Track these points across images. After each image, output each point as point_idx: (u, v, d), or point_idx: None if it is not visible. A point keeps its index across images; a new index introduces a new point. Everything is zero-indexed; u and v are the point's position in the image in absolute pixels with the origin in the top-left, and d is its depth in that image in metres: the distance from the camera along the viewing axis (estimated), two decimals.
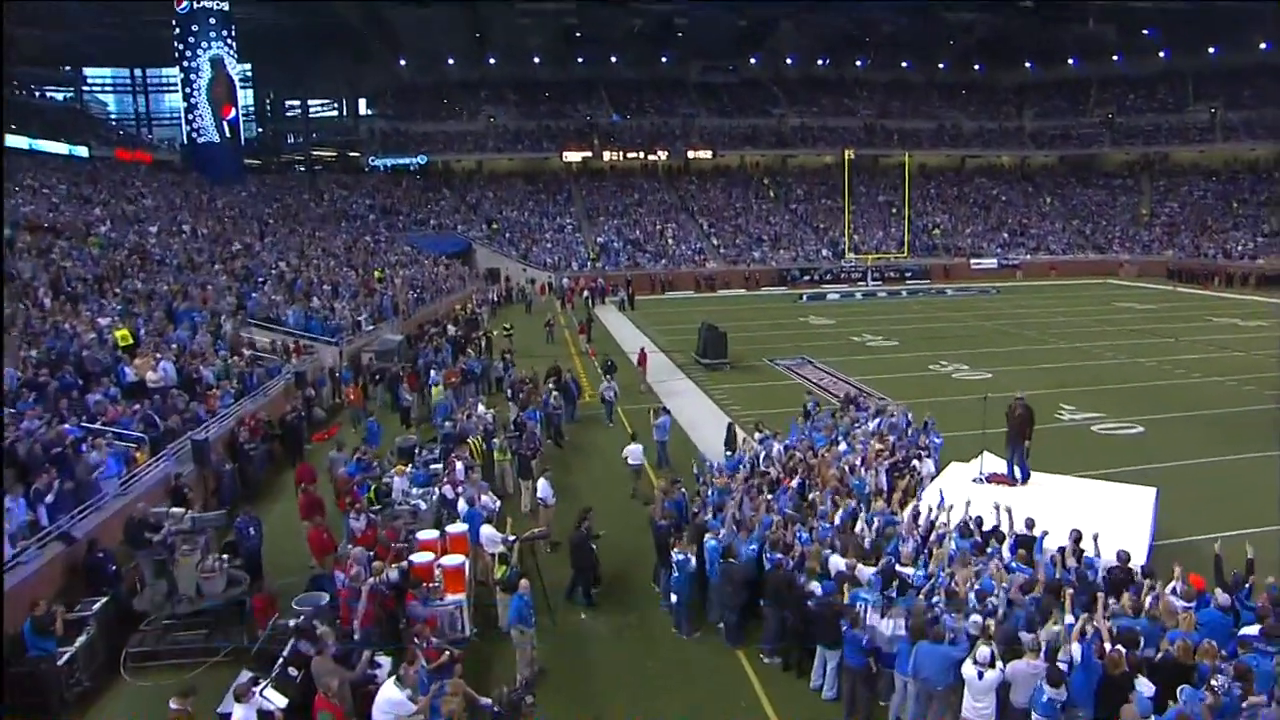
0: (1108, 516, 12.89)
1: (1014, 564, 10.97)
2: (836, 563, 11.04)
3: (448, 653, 9.78)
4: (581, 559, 12.92)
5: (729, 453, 17.95)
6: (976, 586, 10.27)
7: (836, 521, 12.34)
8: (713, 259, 62.77)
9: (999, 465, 15.36)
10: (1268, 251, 58.42)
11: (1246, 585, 10.23)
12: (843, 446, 16.59)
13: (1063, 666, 8.59)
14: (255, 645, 10.12)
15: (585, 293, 51.59)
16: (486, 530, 12.56)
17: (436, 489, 14.85)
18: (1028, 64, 79.87)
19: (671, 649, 11.80)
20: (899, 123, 76.99)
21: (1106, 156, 77.38)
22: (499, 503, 14.72)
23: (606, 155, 71.45)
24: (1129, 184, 74.56)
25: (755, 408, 24.14)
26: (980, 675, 8.68)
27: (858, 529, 12.22)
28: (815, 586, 10.57)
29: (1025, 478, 14.80)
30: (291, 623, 10.05)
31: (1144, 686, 8.58)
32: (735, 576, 11.44)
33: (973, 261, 63.58)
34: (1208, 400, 24.71)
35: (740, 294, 57.27)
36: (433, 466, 16.49)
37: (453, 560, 11.54)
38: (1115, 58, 75.93)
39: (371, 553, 11.47)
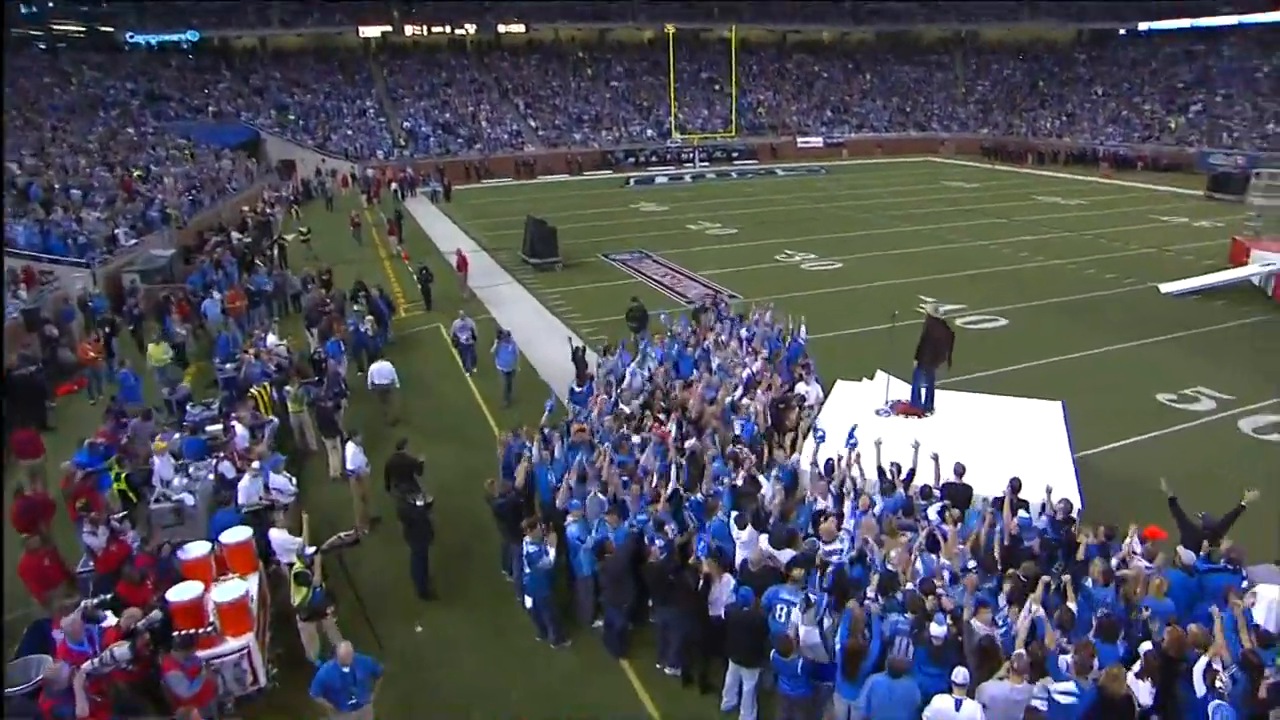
0: (1023, 442, 11.29)
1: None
2: (741, 549, 8.71)
3: None
4: (420, 532, 10.23)
5: (576, 386, 14.37)
6: (918, 568, 8.28)
7: (739, 482, 9.83)
8: (531, 142, 58.77)
9: (902, 389, 12.92)
10: (1070, 130, 60.44)
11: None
12: (716, 361, 14.10)
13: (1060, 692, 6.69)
14: None
15: (393, 185, 46.68)
16: (278, 536, 9.28)
17: (214, 464, 11.39)
18: None
19: (538, 665, 9.19)
20: None
21: (922, 33, 77.50)
22: (294, 482, 11.33)
23: (409, 30, 65.58)
24: (944, 60, 75.27)
25: (597, 314, 21.72)
26: (958, 706, 6.61)
27: (763, 493, 9.73)
28: (721, 586, 8.26)
29: (929, 404, 12.54)
30: None
31: (1142, 693, 6.87)
32: (616, 570, 8.88)
33: (799, 140, 62.78)
34: (1059, 287, 24.18)
35: (563, 179, 54.23)
36: (210, 429, 12.90)
37: (231, 591, 8.20)
38: None
39: (108, 595, 8.03)
